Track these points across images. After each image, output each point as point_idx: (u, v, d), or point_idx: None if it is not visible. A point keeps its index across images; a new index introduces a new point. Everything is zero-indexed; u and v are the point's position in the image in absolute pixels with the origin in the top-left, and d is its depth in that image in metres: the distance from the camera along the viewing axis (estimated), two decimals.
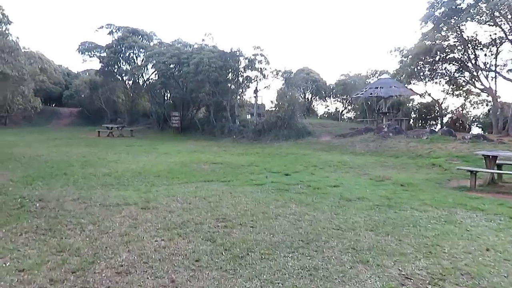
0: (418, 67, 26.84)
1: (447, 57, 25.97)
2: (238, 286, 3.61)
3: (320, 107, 42.08)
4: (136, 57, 32.87)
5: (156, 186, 8.50)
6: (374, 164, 13.34)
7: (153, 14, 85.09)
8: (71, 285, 3.54)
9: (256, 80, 25.84)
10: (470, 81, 27.13)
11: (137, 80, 33.76)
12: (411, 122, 30.16)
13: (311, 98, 40.37)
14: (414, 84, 28.84)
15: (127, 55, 32.38)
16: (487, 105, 29.32)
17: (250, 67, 24.87)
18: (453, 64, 26.61)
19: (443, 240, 5.01)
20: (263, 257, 4.32)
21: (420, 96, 29.87)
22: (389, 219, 6.04)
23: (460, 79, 27.76)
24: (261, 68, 24.83)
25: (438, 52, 24.99)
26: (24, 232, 4.95)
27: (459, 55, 25.79)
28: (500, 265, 4.21)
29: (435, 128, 27.50)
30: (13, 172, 10.22)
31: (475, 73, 25.64)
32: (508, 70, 24.50)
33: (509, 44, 22.73)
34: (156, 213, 6.10)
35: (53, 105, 50.58)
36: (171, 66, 26.48)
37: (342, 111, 39.56)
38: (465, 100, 30.27)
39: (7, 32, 12.23)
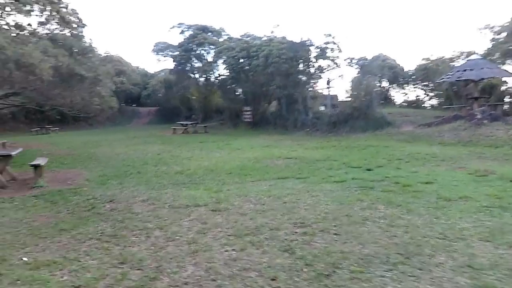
0: None
1: None
2: None
3: (397, 96, 39.54)
4: (207, 54, 33.26)
5: (227, 185, 8.01)
6: (470, 155, 11.72)
7: (222, 10, 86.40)
8: None
9: (329, 69, 24.67)
10: None
11: (208, 77, 34.15)
12: (505, 107, 26.93)
13: (387, 86, 38.02)
14: (510, 64, 25.65)
15: (198, 52, 32.83)
16: None
17: (321, 57, 23.77)
18: None
19: None
20: (353, 276, 3.52)
21: None
22: (507, 225, 4.88)
23: None
24: (333, 57, 23.66)
25: None
26: (89, 238, 4.64)
27: None
28: None
29: None
30: (91, 171, 10.39)
31: None
32: None
33: None
34: (227, 216, 5.55)
35: (133, 105, 53.44)
36: (241, 60, 26.21)
37: (423, 98, 36.74)
38: None
39: (81, 34, 12.53)
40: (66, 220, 5.54)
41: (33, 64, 9.31)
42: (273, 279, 3.47)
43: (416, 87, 37.01)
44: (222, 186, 7.88)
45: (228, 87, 32.35)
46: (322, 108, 27.78)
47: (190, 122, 27.77)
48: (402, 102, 38.26)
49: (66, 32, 12.94)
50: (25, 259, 3.99)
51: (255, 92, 28.55)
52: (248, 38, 29.24)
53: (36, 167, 8.29)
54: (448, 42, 69.86)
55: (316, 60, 24.41)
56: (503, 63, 24.92)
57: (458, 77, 21.43)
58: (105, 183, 8.44)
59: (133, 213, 5.76)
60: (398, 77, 36.32)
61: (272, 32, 26.65)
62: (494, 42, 25.06)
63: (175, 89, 36.77)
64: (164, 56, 35.71)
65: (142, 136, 24.01)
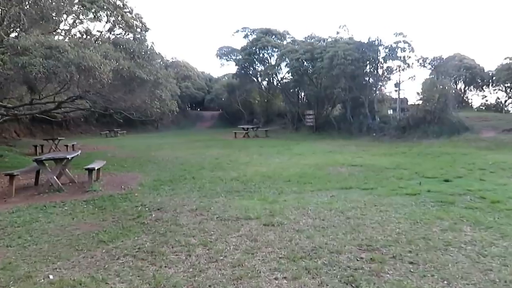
0: None
1: None
2: None
3: (475, 98, 36.29)
4: (270, 57, 32.82)
5: (284, 194, 7.31)
6: None
7: (286, 13, 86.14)
8: None
9: (398, 70, 23.02)
10: None
11: (271, 80, 33.75)
12: None
13: (464, 88, 35.08)
14: None
15: (261, 55, 32.52)
16: None
17: (391, 57, 22.25)
18: None
19: None
20: None
21: None
22: None
23: None
24: (404, 57, 22.00)
25: None
26: (124, 254, 4.18)
27: None
28: None
29: None
30: (147, 175, 10.22)
31: None
32: None
33: None
34: (281, 233, 4.85)
35: (198, 109, 54.69)
36: (304, 62, 25.41)
37: (505, 101, 33.34)
38: None
39: (143, 38, 12.55)
40: (108, 229, 5.18)
41: (93, 67, 9.25)
42: None
43: (498, 89, 33.69)
44: (279, 195, 7.19)
45: (291, 90, 31.68)
46: (390, 111, 26.09)
47: (251, 126, 27.47)
48: (480, 106, 35.08)
49: (130, 36, 13.07)
50: (51, 277, 3.60)
51: (318, 95, 27.57)
52: (313, 40, 28.31)
53: (90, 171, 8.18)
54: None
55: (385, 60, 22.91)
56: None
57: None
58: (157, 189, 8.12)
59: (178, 225, 5.25)
60: (476, 78, 33.31)
61: (338, 33, 25.54)
62: None
63: (237, 93, 36.82)
64: (227, 60, 35.91)
65: (204, 140, 24.12)
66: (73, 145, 20.51)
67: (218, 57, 36.20)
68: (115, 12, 12.92)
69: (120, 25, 12.95)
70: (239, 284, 3.41)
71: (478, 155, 12.94)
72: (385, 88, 27.05)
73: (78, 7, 11.46)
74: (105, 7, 12.16)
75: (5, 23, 10.43)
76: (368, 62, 23.58)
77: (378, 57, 23.04)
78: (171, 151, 17.07)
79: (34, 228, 5.38)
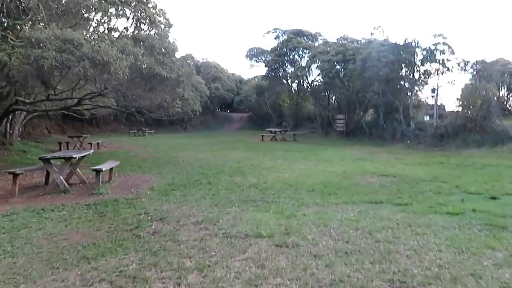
0: None
1: None
2: None
3: None
4: (300, 59, 31.94)
5: (305, 207, 6.48)
6: None
7: (319, 14, 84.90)
8: None
9: (437, 74, 21.63)
10: None
11: (301, 83, 32.86)
12: None
13: (507, 95, 32.97)
14: None
15: (291, 57, 31.70)
16: None
17: (429, 60, 20.91)
18: None
19: None
20: None
21: None
22: None
23: None
24: (443, 60, 20.62)
25: None
26: (101, 279, 3.49)
27: None
28: None
29: None
30: (162, 178, 9.64)
31: None
32: None
33: None
34: (295, 258, 4.05)
35: (227, 111, 54.44)
36: (336, 64, 24.41)
37: None
38: None
39: (165, 34, 12.01)
40: (98, 242, 4.54)
41: (108, 62, 8.74)
42: None
43: None
44: (298, 208, 6.36)
45: (322, 93, 30.68)
46: (427, 118, 24.64)
47: (279, 129, 26.65)
48: None
49: (152, 32, 12.58)
50: None
51: (349, 99, 26.46)
52: (345, 41, 27.21)
53: (97, 172, 7.63)
54: None
55: (422, 63, 21.55)
56: None
57: None
58: (167, 194, 7.47)
59: (176, 241, 4.53)
60: None
61: (372, 34, 24.34)
62: None
63: (266, 95, 36.13)
64: (257, 62, 35.25)
65: (230, 142, 23.54)
66: (98, 143, 20.39)
67: (248, 58, 35.64)
68: (138, 6, 12.44)
69: (143, 21, 12.46)
70: None
71: None
72: (422, 93, 25.63)
73: (98, 1, 11.01)
74: (127, 1, 11.67)
75: (24, 16, 10.10)
76: (403, 65, 22.31)
77: (415, 60, 21.74)
78: (193, 153, 16.54)
79: (20, 236, 4.82)
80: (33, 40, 8.82)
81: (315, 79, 30.86)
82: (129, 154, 16.50)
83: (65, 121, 30.86)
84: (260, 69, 49.84)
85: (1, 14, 10.53)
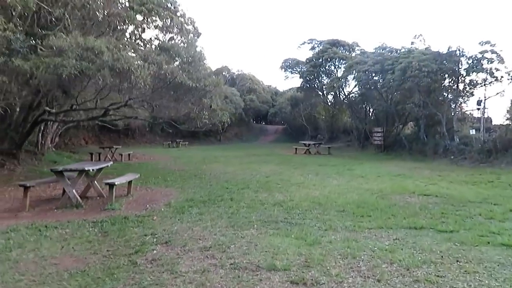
0: None
1: None
2: None
3: None
4: (337, 70, 31.03)
5: (332, 231, 5.68)
6: None
7: (356, 24, 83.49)
8: None
9: (484, 85, 20.12)
10: None
11: (337, 94, 31.88)
12: None
13: None
14: None
15: (327, 68, 30.86)
16: None
17: (475, 69, 19.45)
18: None
19: None
20: None
21: None
22: None
23: None
24: (490, 69, 19.11)
25: None
26: None
27: None
28: None
29: None
30: (182, 193, 9.13)
31: None
32: None
33: None
34: None
35: (262, 123, 54.10)
36: (373, 75, 23.34)
37: None
38: None
39: (192, 42, 11.64)
40: (89, 269, 3.99)
41: (129, 70, 8.37)
42: None
43: None
44: (324, 233, 5.58)
45: (358, 105, 29.56)
46: (472, 132, 23.00)
47: (313, 142, 25.78)
48: None
49: (179, 40, 12.26)
50: None
51: (388, 111, 25.20)
52: (383, 51, 26.04)
53: (111, 186, 7.18)
54: None
55: (468, 73, 20.09)
56: None
57: None
58: (183, 212, 6.89)
59: (174, 272, 3.87)
60: None
61: (412, 43, 23.08)
62: None
63: (301, 107, 35.38)
64: (292, 73, 34.64)
65: (262, 154, 22.97)
66: (129, 154, 20.38)
67: (283, 70, 35.12)
68: (165, 15, 12.17)
69: (170, 29, 12.16)
70: None
71: None
72: (466, 105, 24.01)
73: (124, 8, 10.80)
74: (154, 9, 11.41)
75: (49, 24, 10.01)
76: (447, 75, 20.94)
77: (459, 69, 20.33)
78: (223, 166, 16.05)
79: (9, 258, 4.35)
80: (54, 48, 8.62)
81: (351, 90, 29.88)
82: (158, 166, 16.23)
83: (102, 132, 31.40)
84: (295, 81, 49.33)
85: (35, 25, 10.55)
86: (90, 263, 4.18)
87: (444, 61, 19.98)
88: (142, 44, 12.10)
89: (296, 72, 33.92)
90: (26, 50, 9.32)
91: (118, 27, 11.93)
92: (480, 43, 19.42)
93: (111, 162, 9.54)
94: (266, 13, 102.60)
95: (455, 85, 21.30)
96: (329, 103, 34.14)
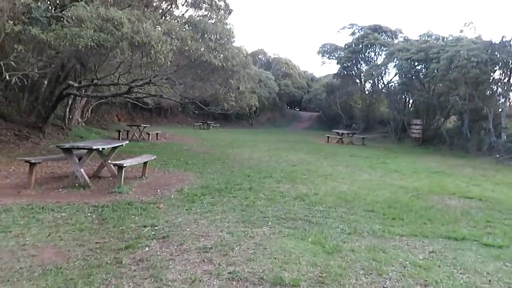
0: None
1: None
2: None
3: None
4: (377, 57, 29.52)
5: (357, 236, 4.93)
6: None
7: (401, 10, 79.89)
8: None
9: None
10: None
11: (375, 83, 30.42)
12: None
13: None
14: None
15: (366, 54, 29.41)
16: None
17: None
18: None
19: None
20: None
21: None
22: None
23: None
24: None
25: None
26: None
27: None
28: None
29: None
30: (199, 178, 8.57)
31: None
32: None
33: None
34: None
35: (296, 109, 53.02)
36: (416, 63, 21.88)
37: None
38: None
39: (222, 19, 10.91)
40: (67, 265, 3.45)
41: (149, 44, 7.80)
42: None
43: None
44: (347, 237, 4.83)
45: (397, 95, 28.06)
46: None
47: (347, 132, 24.70)
48: None
49: (208, 16, 11.58)
50: None
51: (429, 103, 23.67)
52: (429, 38, 24.39)
53: (120, 167, 6.69)
54: None
55: None
56: None
57: None
58: (194, 201, 6.30)
59: (157, 280, 3.22)
60: None
61: (461, 31, 21.50)
62: None
63: (337, 94, 34.11)
64: (329, 58, 33.35)
65: (292, 141, 22.16)
66: (157, 133, 20.11)
67: (320, 55, 33.92)
68: None
69: (200, 4, 11.50)
70: None
71: None
72: None
73: None
74: None
75: None
76: (497, 66, 19.27)
77: None
78: (249, 150, 15.41)
79: None
80: (73, 18, 8.16)
81: (391, 79, 28.38)
82: (183, 147, 15.80)
83: (135, 110, 31.47)
84: (332, 67, 47.99)
85: None
86: (71, 258, 3.65)
87: (496, 52, 18.34)
88: (168, 20, 11.47)
89: (334, 58, 32.63)
90: (47, 19, 8.95)
91: (153, 3, 11.40)
92: None
93: (127, 141, 9.12)
94: None
95: (506, 78, 19.59)
96: (366, 92, 32.69)
